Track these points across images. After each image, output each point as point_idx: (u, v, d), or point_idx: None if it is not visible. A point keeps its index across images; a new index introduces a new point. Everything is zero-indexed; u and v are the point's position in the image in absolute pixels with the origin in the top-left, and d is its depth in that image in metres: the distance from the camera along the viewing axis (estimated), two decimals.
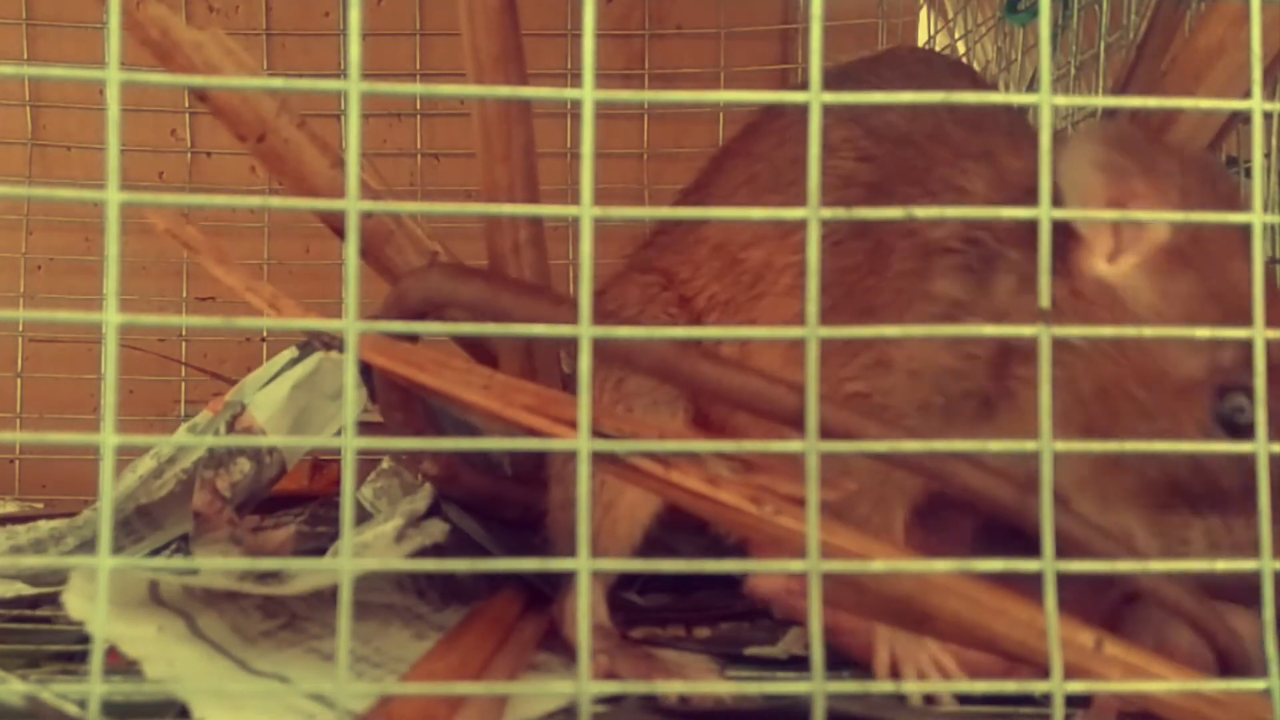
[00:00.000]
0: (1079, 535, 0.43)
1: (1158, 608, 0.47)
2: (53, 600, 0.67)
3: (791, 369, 0.50)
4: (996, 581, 0.47)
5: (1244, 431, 0.49)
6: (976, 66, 1.08)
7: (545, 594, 0.65)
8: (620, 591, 0.70)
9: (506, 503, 0.71)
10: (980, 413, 0.55)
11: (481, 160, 0.63)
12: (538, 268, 0.65)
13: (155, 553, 0.78)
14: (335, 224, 0.65)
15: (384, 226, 0.66)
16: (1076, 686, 0.38)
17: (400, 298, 0.56)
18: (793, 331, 0.36)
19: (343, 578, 0.35)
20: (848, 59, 0.67)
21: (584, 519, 0.36)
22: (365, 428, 0.67)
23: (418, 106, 1.16)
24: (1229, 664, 0.44)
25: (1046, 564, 0.37)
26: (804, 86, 0.36)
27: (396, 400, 0.62)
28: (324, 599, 0.56)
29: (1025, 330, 0.38)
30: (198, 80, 0.59)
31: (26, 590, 0.71)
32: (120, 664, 0.47)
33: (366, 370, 0.56)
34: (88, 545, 0.79)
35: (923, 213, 0.38)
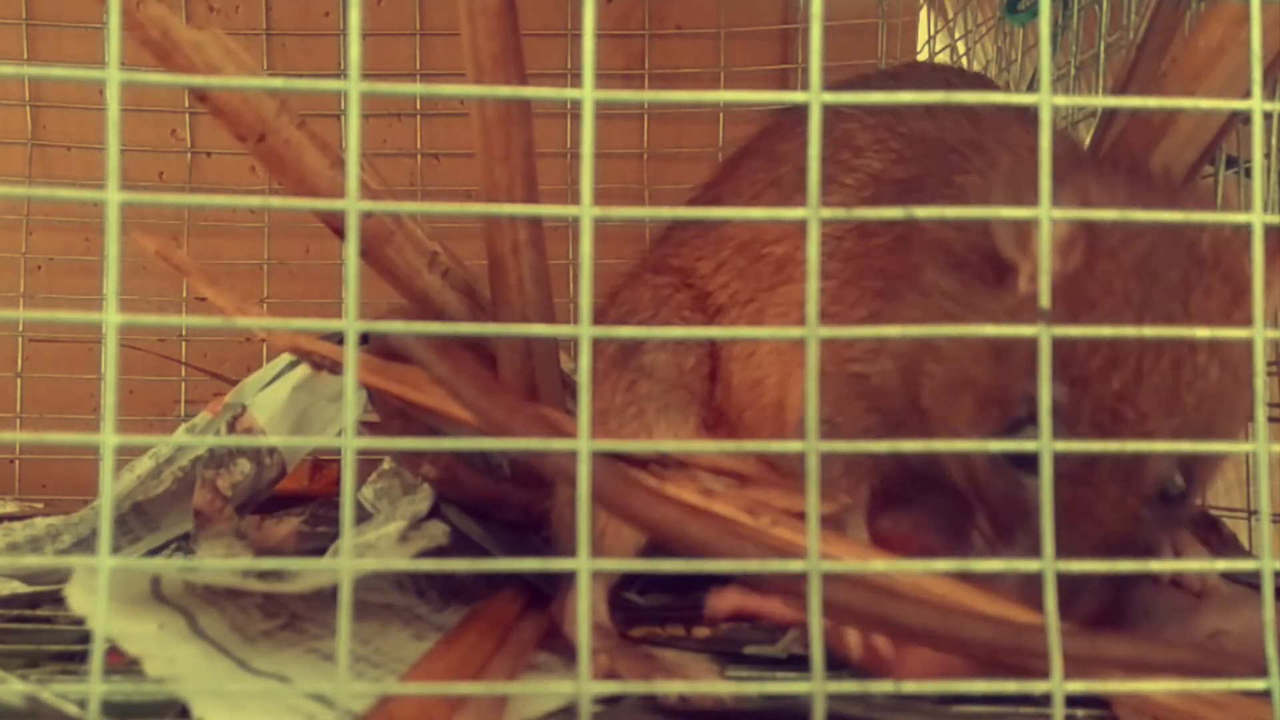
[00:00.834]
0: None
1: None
2: (53, 599, 0.67)
3: (797, 352, 0.60)
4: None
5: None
6: (976, 66, 1.08)
7: (545, 594, 0.65)
8: (620, 591, 0.70)
9: (506, 504, 0.71)
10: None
11: (481, 160, 0.63)
12: (537, 268, 0.65)
13: (153, 553, 0.78)
14: (335, 224, 0.65)
15: (384, 226, 0.65)
16: (1077, 686, 0.38)
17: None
18: (793, 332, 0.37)
19: (343, 578, 0.35)
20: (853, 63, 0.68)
21: (584, 518, 0.36)
22: (365, 428, 0.68)
23: (418, 106, 1.16)
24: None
25: (1046, 564, 0.37)
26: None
27: (395, 406, 0.62)
28: (324, 599, 0.56)
29: (1025, 330, 0.38)
30: (198, 80, 0.59)
31: (22, 589, 0.71)
32: (120, 664, 0.47)
33: None
34: (84, 543, 0.79)
35: (923, 213, 0.38)
